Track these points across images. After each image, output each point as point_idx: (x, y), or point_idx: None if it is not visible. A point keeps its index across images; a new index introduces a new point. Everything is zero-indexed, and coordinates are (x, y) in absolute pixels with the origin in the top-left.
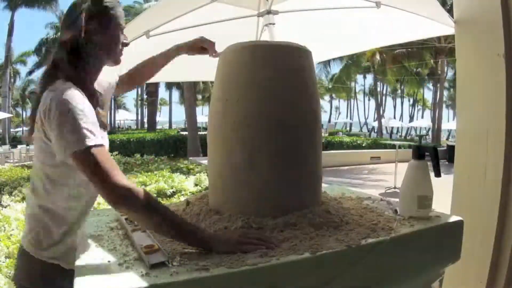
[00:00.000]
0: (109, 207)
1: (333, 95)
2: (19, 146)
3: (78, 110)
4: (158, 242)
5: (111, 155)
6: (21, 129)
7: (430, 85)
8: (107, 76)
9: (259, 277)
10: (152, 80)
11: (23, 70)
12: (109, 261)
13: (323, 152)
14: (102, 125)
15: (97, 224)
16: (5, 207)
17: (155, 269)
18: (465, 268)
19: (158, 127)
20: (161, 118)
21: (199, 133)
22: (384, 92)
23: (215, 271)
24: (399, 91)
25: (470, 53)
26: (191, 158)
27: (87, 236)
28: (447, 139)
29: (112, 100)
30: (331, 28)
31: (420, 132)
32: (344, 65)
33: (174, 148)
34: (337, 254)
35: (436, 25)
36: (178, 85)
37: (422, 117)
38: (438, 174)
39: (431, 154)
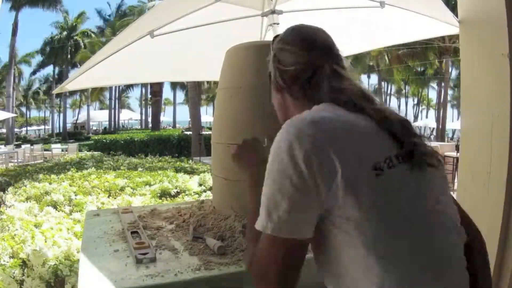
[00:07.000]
0: (109, 207)
1: None
2: (23, 146)
3: None
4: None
5: (115, 154)
6: (24, 128)
7: (435, 85)
8: None
9: None
10: (155, 80)
11: (27, 70)
12: (111, 260)
13: None
14: None
15: (100, 225)
16: (9, 207)
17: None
18: None
19: (162, 127)
20: (165, 118)
21: (203, 132)
22: (389, 92)
23: (216, 271)
24: (403, 91)
25: (474, 53)
26: (195, 158)
27: (92, 237)
28: (452, 138)
29: (116, 100)
30: (335, 28)
31: (424, 131)
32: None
33: (178, 148)
34: None
35: (440, 25)
36: (183, 85)
37: (427, 117)
38: None
39: None
